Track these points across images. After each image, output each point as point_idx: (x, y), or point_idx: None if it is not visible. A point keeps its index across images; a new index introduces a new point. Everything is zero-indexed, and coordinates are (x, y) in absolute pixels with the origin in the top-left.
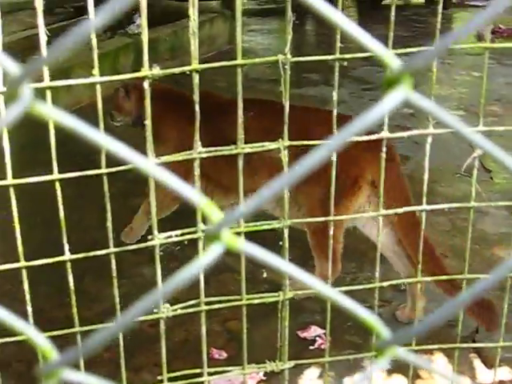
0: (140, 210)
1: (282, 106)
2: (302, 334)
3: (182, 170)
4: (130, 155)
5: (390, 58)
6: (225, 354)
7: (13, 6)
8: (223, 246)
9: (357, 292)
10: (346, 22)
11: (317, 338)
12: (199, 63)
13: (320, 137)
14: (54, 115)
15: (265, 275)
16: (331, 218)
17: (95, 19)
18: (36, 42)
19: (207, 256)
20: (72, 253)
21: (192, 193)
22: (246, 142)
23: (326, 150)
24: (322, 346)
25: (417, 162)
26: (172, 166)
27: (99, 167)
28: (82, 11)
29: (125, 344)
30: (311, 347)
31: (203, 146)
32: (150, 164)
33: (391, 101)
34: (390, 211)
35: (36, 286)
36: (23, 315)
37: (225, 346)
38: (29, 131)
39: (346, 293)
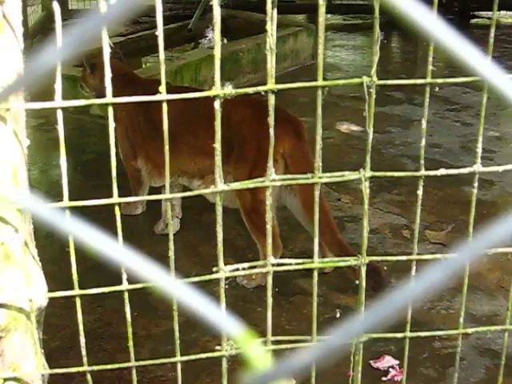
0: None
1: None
2: (375, 364)
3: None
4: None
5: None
6: (294, 381)
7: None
8: None
9: (435, 322)
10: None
11: (390, 369)
12: (282, 77)
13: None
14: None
15: (338, 315)
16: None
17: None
18: (119, 49)
19: None
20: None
21: (221, 317)
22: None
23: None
24: (395, 378)
25: (501, 187)
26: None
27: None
28: (167, 21)
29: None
30: (384, 378)
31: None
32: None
33: None
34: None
35: (102, 300)
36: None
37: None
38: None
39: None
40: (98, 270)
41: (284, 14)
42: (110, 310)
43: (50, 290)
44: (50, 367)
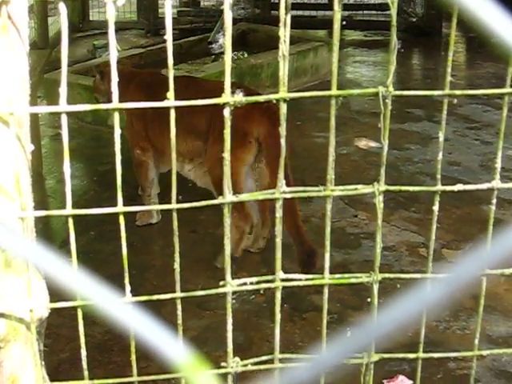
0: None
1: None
2: None
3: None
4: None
5: None
6: None
7: (120, 25)
8: None
9: (450, 342)
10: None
11: None
12: (301, 91)
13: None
14: None
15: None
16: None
17: None
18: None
19: None
20: (154, 278)
21: (165, 341)
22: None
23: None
24: None
25: None
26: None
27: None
28: (188, 33)
29: None
30: None
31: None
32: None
33: None
34: None
35: None
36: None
37: None
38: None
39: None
40: (105, 282)
41: (305, 29)
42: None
43: (57, 300)
44: (59, 379)
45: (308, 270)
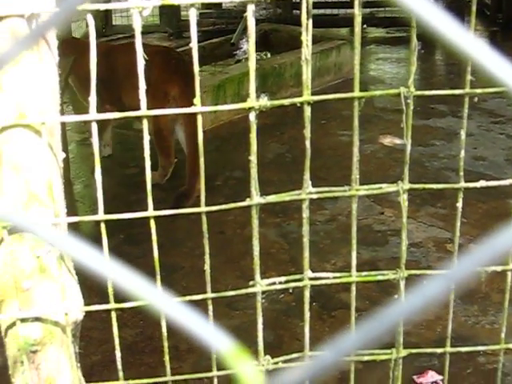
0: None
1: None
2: (418, 380)
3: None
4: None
5: None
6: None
7: (143, 29)
8: None
9: (479, 337)
10: (482, 52)
11: None
12: (324, 90)
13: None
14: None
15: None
16: None
17: None
18: None
19: None
20: (183, 279)
21: (210, 332)
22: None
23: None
24: None
25: None
26: None
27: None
28: (211, 35)
29: None
30: None
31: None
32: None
33: None
34: None
35: (144, 314)
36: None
37: None
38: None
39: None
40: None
41: (327, 28)
42: (152, 324)
43: (89, 304)
44: (92, 381)
45: (175, 205)
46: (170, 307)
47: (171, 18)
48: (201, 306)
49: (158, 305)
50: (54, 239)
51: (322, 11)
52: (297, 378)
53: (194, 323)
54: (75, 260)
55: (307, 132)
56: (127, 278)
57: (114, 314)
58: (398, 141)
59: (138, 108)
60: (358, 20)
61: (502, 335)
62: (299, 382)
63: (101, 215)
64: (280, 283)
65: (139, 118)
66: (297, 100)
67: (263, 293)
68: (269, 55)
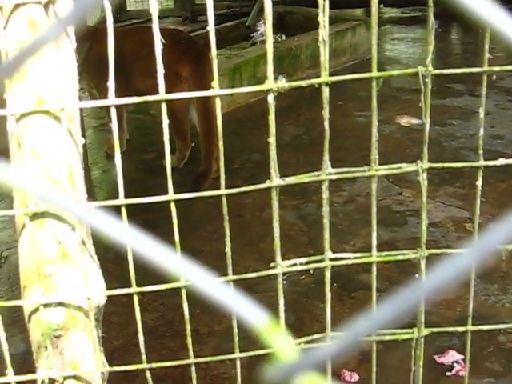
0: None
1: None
2: (439, 359)
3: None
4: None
5: None
6: (357, 377)
7: (159, 12)
8: None
9: (499, 316)
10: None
11: (454, 364)
12: (341, 71)
13: None
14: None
15: None
16: None
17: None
18: None
19: None
20: (202, 262)
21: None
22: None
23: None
24: (460, 373)
25: None
26: None
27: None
28: (225, 18)
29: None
30: (448, 373)
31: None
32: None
33: None
34: None
35: (164, 298)
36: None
37: (357, 367)
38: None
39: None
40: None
41: (342, 9)
42: (172, 308)
43: (110, 289)
44: (114, 365)
45: (194, 187)
46: (206, 283)
47: (185, 2)
48: None
49: (195, 281)
50: (93, 219)
51: None
52: (331, 350)
53: (231, 298)
54: (112, 239)
55: (326, 113)
56: (166, 257)
57: (136, 298)
58: (415, 121)
59: (147, 93)
60: (374, 0)
61: None
62: (333, 355)
63: (121, 199)
64: (301, 264)
65: (153, 103)
66: (315, 81)
67: (284, 274)
68: (284, 37)
